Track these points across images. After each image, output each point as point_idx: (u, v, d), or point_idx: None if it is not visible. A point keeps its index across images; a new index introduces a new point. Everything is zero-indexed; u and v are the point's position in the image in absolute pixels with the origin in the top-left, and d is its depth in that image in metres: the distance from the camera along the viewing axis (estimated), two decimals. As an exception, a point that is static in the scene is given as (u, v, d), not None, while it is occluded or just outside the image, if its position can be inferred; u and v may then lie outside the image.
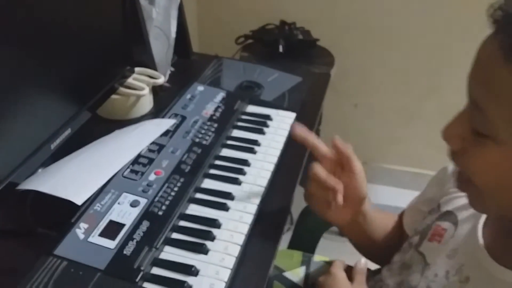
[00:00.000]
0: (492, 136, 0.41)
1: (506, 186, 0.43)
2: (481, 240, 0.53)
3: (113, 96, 0.83)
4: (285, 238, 1.45)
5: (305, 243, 0.92)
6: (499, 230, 0.52)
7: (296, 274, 0.81)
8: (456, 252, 0.55)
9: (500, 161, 0.42)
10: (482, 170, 0.44)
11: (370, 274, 0.80)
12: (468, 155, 0.44)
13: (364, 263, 0.68)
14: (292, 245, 0.95)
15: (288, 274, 0.81)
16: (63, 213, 0.61)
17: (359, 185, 0.63)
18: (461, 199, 0.59)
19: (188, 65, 1.07)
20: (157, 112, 0.88)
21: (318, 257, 0.85)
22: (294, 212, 1.57)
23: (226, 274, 0.57)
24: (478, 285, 0.50)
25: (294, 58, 1.34)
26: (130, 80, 0.86)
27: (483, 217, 0.55)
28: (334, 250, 0.88)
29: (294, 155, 0.80)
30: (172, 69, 1.01)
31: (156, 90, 0.93)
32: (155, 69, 0.92)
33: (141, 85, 0.87)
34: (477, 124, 0.42)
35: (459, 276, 0.52)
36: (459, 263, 0.53)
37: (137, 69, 0.89)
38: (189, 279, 0.55)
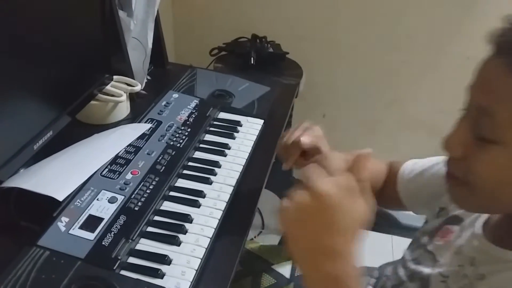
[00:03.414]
0: (499, 140, 0.45)
1: (508, 185, 0.47)
2: (480, 231, 0.58)
3: (92, 102, 0.88)
4: (274, 237, 1.50)
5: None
6: (499, 222, 0.58)
7: (283, 267, 0.86)
8: (463, 247, 0.60)
9: (505, 163, 0.45)
10: (487, 172, 0.47)
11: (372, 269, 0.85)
12: (473, 160, 0.47)
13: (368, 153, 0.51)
14: (282, 244, 0.99)
15: (276, 267, 0.86)
16: (45, 209, 0.65)
17: (319, 147, 0.70)
18: None
19: (164, 74, 1.13)
20: (133, 118, 0.94)
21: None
22: (265, 216, 1.64)
23: (196, 263, 0.62)
24: (489, 267, 0.54)
25: (265, 70, 1.41)
26: (108, 87, 0.91)
27: (484, 216, 0.60)
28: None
29: (261, 159, 0.87)
30: (149, 77, 1.06)
31: (133, 97, 0.98)
32: (132, 77, 0.98)
33: (119, 92, 0.92)
34: (485, 129, 0.46)
35: (474, 266, 0.56)
36: (469, 256, 0.58)
37: (115, 77, 0.94)
38: (163, 267, 0.61)
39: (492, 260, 0.54)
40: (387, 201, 0.82)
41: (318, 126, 0.73)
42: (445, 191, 0.68)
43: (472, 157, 0.48)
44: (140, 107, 0.96)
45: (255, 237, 1.62)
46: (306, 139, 0.70)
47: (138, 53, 1.00)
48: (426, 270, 0.64)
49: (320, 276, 0.48)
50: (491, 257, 0.55)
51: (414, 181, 0.77)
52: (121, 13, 0.94)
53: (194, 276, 0.60)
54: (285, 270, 0.86)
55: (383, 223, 0.89)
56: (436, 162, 0.75)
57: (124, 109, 0.94)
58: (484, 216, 0.60)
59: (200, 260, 0.63)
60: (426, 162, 0.77)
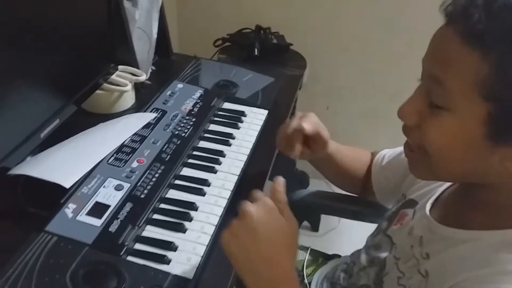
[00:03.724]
0: (448, 106, 0.48)
1: (457, 151, 0.49)
2: (428, 211, 0.61)
3: (98, 91, 0.88)
4: None
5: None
6: (448, 201, 0.61)
7: None
8: (413, 228, 0.63)
9: (454, 127, 0.48)
10: (438, 137, 0.49)
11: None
12: (425, 125, 0.50)
13: (282, 181, 0.60)
14: None
15: None
16: (52, 196, 0.66)
17: (320, 133, 0.73)
18: (423, 188, 0.67)
19: (168, 64, 1.14)
20: (138, 107, 0.94)
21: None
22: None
23: (202, 250, 0.63)
24: (433, 246, 0.57)
25: (269, 61, 1.41)
26: (114, 77, 0.92)
27: (433, 197, 0.63)
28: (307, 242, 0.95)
29: (265, 148, 0.87)
30: (153, 67, 1.07)
31: (137, 87, 0.99)
32: (137, 67, 0.98)
33: (124, 81, 0.92)
34: (436, 97, 0.49)
35: (421, 246, 0.59)
36: (418, 235, 0.61)
37: (120, 66, 0.94)
38: (169, 254, 0.62)
39: (437, 238, 0.57)
40: (366, 191, 0.86)
41: (312, 113, 0.75)
42: (407, 176, 0.71)
43: (425, 124, 0.51)
44: (145, 97, 0.96)
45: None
46: (307, 125, 0.71)
47: (143, 43, 1.00)
48: (383, 254, 0.67)
49: (261, 283, 0.53)
50: (437, 235, 0.57)
51: (383, 170, 0.81)
52: (126, 3, 0.94)
53: (200, 262, 0.61)
54: None
55: (368, 213, 0.91)
56: (402, 150, 0.78)
57: (129, 98, 0.95)
58: (434, 197, 0.63)
59: (205, 247, 0.64)
60: (396, 150, 0.81)
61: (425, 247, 0.58)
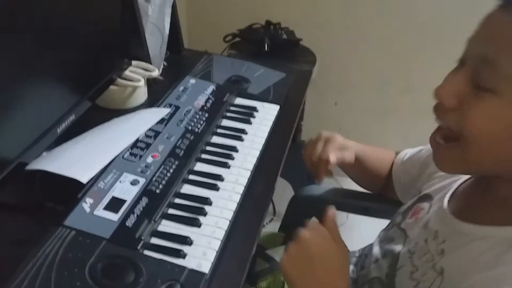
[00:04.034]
0: (496, 89, 0.46)
1: (499, 137, 0.47)
2: (446, 205, 0.61)
3: (111, 87, 0.89)
4: (272, 225, 1.52)
5: (293, 228, 1.00)
6: (464, 195, 0.61)
7: (277, 252, 0.89)
8: (428, 222, 0.63)
9: (499, 112, 0.46)
10: (482, 121, 0.47)
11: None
12: (468, 108, 0.48)
13: (333, 212, 0.64)
14: (281, 230, 1.02)
15: (269, 252, 0.88)
16: (69, 191, 0.67)
17: (345, 159, 0.79)
18: (440, 183, 0.67)
19: (179, 60, 1.14)
20: (151, 103, 0.95)
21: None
22: (277, 203, 1.65)
23: (217, 244, 0.64)
24: (449, 242, 0.57)
25: (279, 56, 1.41)
26: (126, 72, 0.92)
27: (450, 191, 0.63)
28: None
29: (277, 143, 0.88)
30: (165, 63, 1.07)
31: (150, 83, 0.99)
32: (149, 62, 0.99)
33: (137, 77, 0.93)
34: (484, 79, 0.47)
35: (436, 240, 0.59)
36: (433, 229, 0.61)
37: (133, 62, 0.95)
38: (185, 248, 0.62)
39: (453, 234, 0.56)
40: (387, 189, 0.87)
41: (337, 134, 0.80)
42: (424, 171, 0.71)
43: (466, 106, 0.49)
44: (157, 92, 0.97)
45: (266, 223, 1.63)
46: (333, 158, 0.77)
47: (155, 39, 1.01)
48: (397, 247, 0.67)
49: None
50: (453, 230, 0.57)
51: (403, 165, 0.83)
52: (139, -2, 0.95)
53: (215, 256, 0.62)
54: (277, 255, 0.88)
55: (378, 208, 0.92)
56: (422, 147, 0.80)
57: (141, 94, 0.96)
58: (451, 191, 0.63)
59: (220, 241, 0.64)
60: (417, 149, 0.82)
61: (441, 242, 0.58)
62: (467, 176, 0.63)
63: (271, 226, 1.61)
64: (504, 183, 0.53)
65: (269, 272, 0.85)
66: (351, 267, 0.82)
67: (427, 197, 0.68)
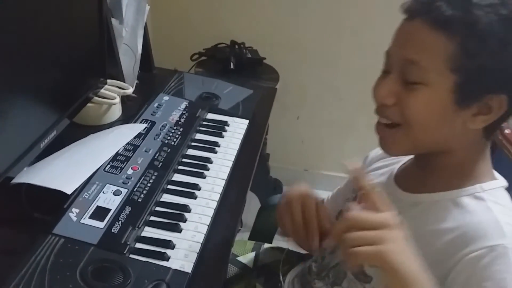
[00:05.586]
0: (423, 81, 0.57)
1: (434, 118, 0.59)
2: (393, 181, 0.70)
3: (88, 104, 0.93)
4: (240, 236, 1.57)
5: (262, 236, 1.05)
6: (405, 174, 0.70)
7: (247, 258, 0.94)
8: None
9: (430, 98, 0.57)
10: (418, 107, 0.58)
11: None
12: (405, 101, 0.59)
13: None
14: (251, 238, 1.07)
15: (240, 258, 0.94)
16: (54, 202, 0.71)
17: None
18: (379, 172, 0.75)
19: (151, 78, 1.20)
20: (125, 119, 1.00)
21: (267, 245, 0.99)
22: (243, 214, 1.71)
23: (197, 247, 0.69)
24: (401, 216, 0.59)
25: (244, 74, 1.49)
26: (102, 90, 0.97)
27: (394, 172, 0.71)
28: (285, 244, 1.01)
29: (248, 155, 0.95)
30: (137, 81, 1.12)
31: (124, 99, 1.04)
32: (123, 81, 1.04)
33: (112, 94, 0.98)
34: (411, 76, 0.58)
35: None
36: None
37: (108, 80, 1.00)
38: (168, 251, 0.67)
39: (405, 207, 0.65)
40: None
41: (313, 191, 0.70)
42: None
43: (404, 100, 0.59)
44: (131, 109, 1.02)
45: (234, 233, 1.68)
46: (327, 223, 0.67)
47: (128, 58, 1.06)
48: None
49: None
50: (399, 202, 0.64)
51: (331, 202, 0.87)
52: (114, 21, 1.00)
53: (196, 258, 0.68)
54: (248, 260, 0.93)
55: None
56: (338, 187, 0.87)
57: (116, 110, 1.00)
58: (394, 172, 0.72)
59: (200, 244, 0.70)
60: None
61: None
62: (405, 160, 0.72)
63: (238, 237, 1.66)
64: (435, 156, 0.64)
65: (241, 277, 0.90)
66: (313, 264, 0.86)
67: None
